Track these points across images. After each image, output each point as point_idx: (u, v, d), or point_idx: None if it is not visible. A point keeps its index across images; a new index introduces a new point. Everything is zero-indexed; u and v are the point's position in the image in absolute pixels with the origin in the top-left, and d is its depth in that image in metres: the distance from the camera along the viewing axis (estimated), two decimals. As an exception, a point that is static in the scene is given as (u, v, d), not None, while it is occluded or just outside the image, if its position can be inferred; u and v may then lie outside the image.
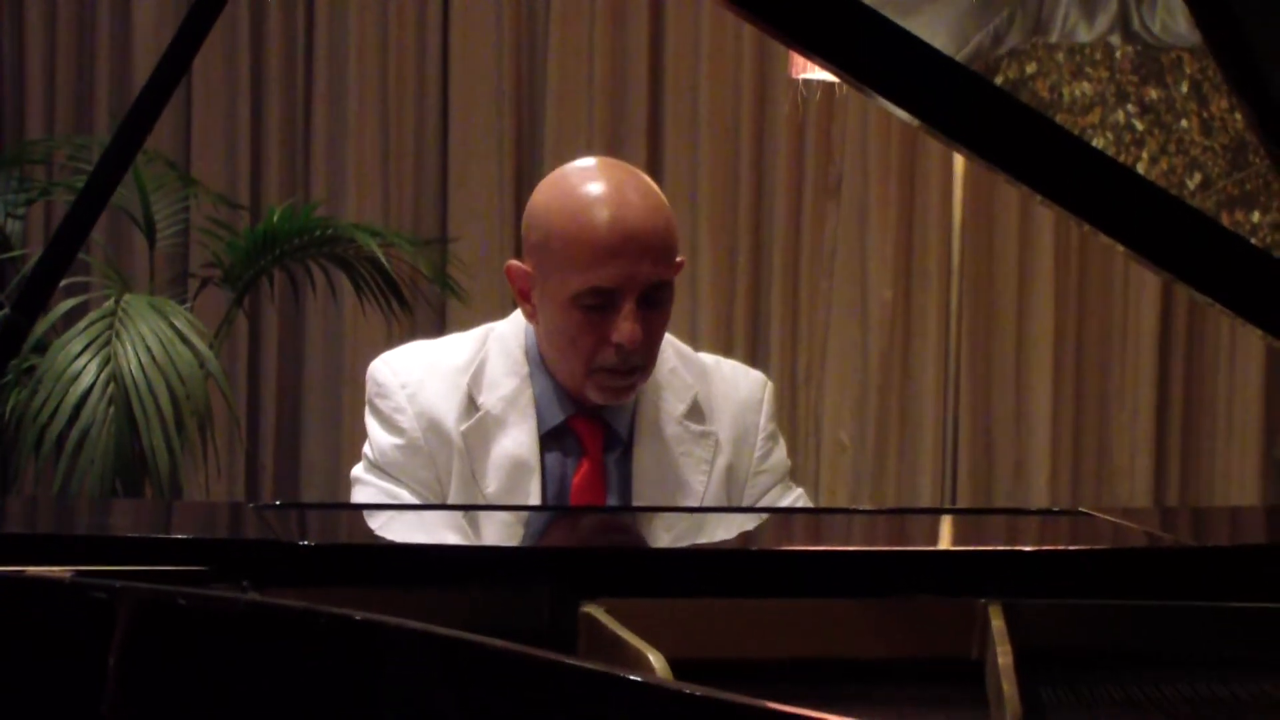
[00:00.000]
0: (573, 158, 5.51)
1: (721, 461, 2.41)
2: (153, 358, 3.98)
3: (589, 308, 2.27)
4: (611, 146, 5.12)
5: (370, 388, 2.41)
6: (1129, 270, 5.30)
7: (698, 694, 1.31)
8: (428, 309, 4.90)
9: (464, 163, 5.15)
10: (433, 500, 2.36)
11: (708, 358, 2.50)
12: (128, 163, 1.74)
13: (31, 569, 1.63)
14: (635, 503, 2.36)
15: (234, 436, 4.91)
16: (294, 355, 5.19)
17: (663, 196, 2.35)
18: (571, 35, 5.13)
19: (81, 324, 4.06)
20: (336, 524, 2.24)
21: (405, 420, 2.37)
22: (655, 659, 1.58)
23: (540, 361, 2.38)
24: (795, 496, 2.49)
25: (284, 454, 5.21)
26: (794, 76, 4.59)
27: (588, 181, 2.31)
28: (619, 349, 2.27)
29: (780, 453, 2.48)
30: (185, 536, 1.89)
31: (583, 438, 2.37)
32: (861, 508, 2.58)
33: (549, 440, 2.37)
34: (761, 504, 2.44)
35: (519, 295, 2.36)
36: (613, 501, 2.37)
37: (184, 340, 4.04)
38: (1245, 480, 5.43)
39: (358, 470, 2.42)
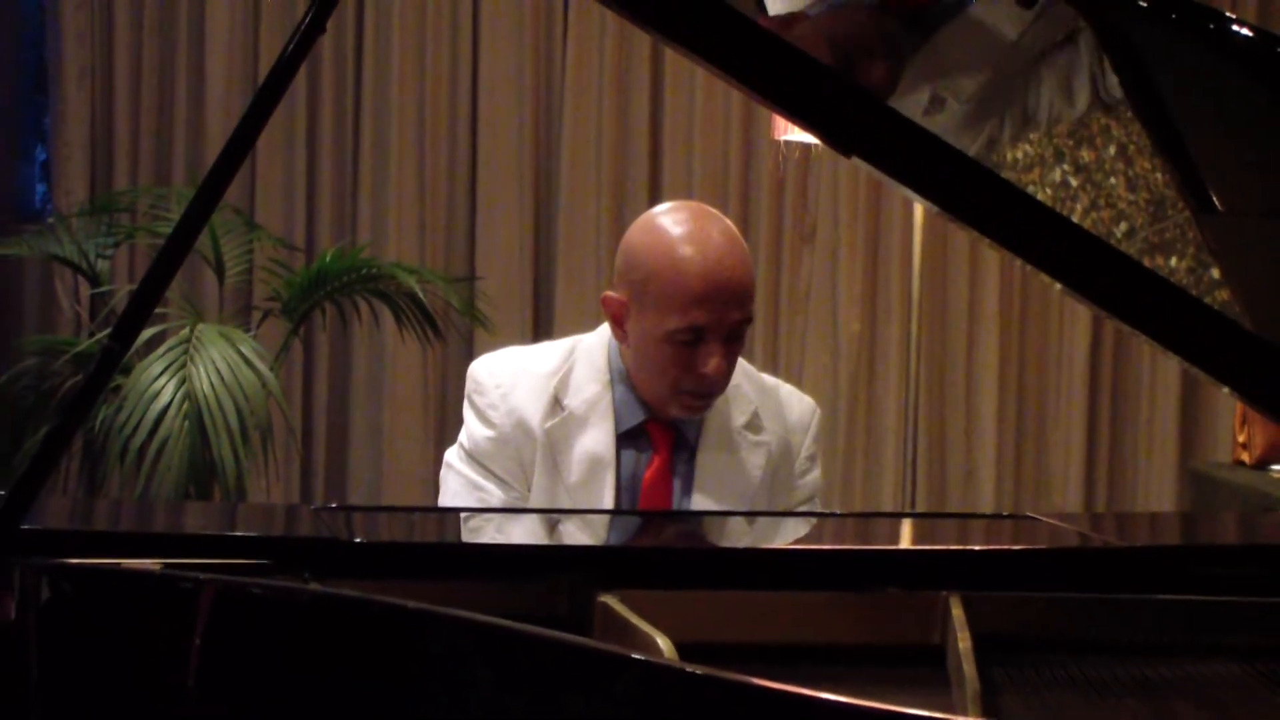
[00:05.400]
0: (584, 211, 5.54)
1: (769, 470, 2.40)
2: (221, 379, 3.97)
3: (681, 343, 2.26)
4: (617, 200, 5.13)
5: (469, 385, 2.41)
6: (1064, 305, 5.31)
7: (698, 672, 1.31)
8: (458, 337, 4.90)
9: (489, 213, 5.15)
10: (516, 486, 2.35)
11: (769, 379, 2.49)
12: (204, 221, 1.74)
13: (126, 562, 1.63)
14: (696, 502, 2.35)
15: (290, 447, 4.91)
16: (342, 376, 5.19)
17: (744, 242, 2.34)
18: (583, 103, 5.14)
19: (161, 349, 4.05)
20: (385, 524, 2.24)
21: (497, 416, 2.36)
22: (663, 642, 1.57)
23: (622, 371, 2.37)
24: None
25: (333, 462, 5.21)
26: (775, 138, 4.60)
27: (682, 229, 2.29)
28: (704, 378, 2.27)
29: (815, 474, 2.48)
30: (252, 534, 1.89)
31: (655, 439, 2.37)
32: (836, 511, 2.56)
33: (625, 439, 2.36)
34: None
35: (613, 321, 2.35)
36: (678, 495, 2.36)
37: (248, 364, 4.03)
38: (1164, 489, 5.43)
39: (451, 456, 2.42)
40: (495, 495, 2.35)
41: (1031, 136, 1.75)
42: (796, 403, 2.48)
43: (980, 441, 5.34)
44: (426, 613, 1.44)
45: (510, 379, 2.38)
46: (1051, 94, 1.72)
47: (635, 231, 2.35)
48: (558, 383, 2.37)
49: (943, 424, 5.36)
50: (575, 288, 5.09)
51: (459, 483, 2.38)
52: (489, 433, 2.36)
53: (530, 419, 2.35)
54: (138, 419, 3.90)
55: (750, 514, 2.36)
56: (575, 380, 2.37)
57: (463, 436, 2.41)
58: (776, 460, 2.41)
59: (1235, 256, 1.66)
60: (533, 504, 2.34)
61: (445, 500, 2.40)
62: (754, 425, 2.40)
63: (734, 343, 2.29)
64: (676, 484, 2.37)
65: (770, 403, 2.44)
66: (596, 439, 2.34)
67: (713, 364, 2.26)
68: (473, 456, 2.38)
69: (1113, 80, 1.67)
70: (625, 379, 2.37)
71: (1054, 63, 1.74)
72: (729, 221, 2.36)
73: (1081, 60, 1.71)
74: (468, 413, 2.40)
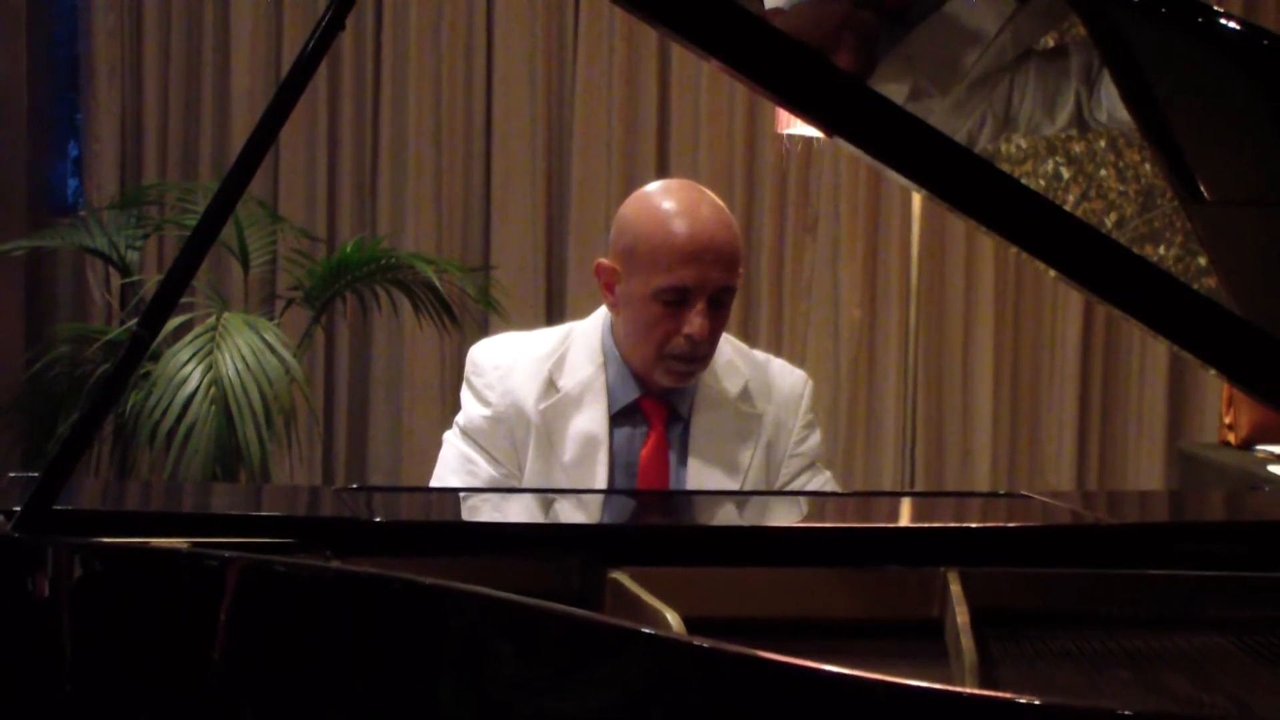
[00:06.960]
0: (594, 203, 5.54)
1: (764, 441, 2.40)
2: (246, 365, 3.97)
3: (667, 302, 2.28)
4: (626, 192, 5.07)
5: (469, 368, 2.42)
6: (1057, 291, 5.29)
7: (706, 645, 1.31)
8: (474, 325, 4.89)
9: (503, 205, 5.15)
10: (506, 463, 2.36)
11: (759, 354, 2.50)
12: (228, 213, 1.74)
13: (155, 541, 1.63)
14: (691, 468, 2.35)
15: (313, 431, 4.91)
16: (362, 363, 5.18)
17: (731, 217, 2.35)
18: (593, 99, 5.14)
19: (188, 337, 4.05)
20: (403, 504, 2.24)
21: (494, 396, 2.37)
22: (671, 617, 1.57)
23: (615, 352, 2.38)
24: (824, 479, 2.48)
25: (354, 445, 5.21)
26: (779, 131, 4.58)
27: (671, 199, 2.33)
28: (689, 339, 2.28)
29: (814, 440, 2.47)
30: (276, 514, 1.89)
31: (649, 414, 2.37)
32: (838, 491, 2.55)
33: (621, 417, 2.37)
34: (794, 482, 2.43)
35: (604, 288, 2.37)
36: (674, 465, 2.36)
37: (272, 351, 4.03)
38: (1153, 468, 5.42)
39: (448, 433, 2.43)
40: (484, 470, 2.36)
41: (1012, 137, 1.74)
42: (788, 375, 2.48)
43: (976, 423, 5.34)
44: (444, 589, 1.44)
45: (508, 362, 2.39)
46: (1033, 105, 1.72)
47: (627, 204, 2.39)
48: (553, 365, 2.38)
49: (940, 407, 5.35)
50: (586, 276, 5.08)
51: (451, 454, 2.40)
52: (484, 411, 2.38)
53: (524, 401, 2.36)
54: (166, 404, 3.90)
55: (755, 493, 2.36)
56: (570, 362, 2.39)
57: (459, 415, 2.43)
58: (771, 432, 2.41)
59: (1221, 244, 1.65)
60: (528, 482, 2.35)
61: (438, 472, 2.42)
62: (746, 397, 2.41)
63: (718, 309, 2.30)
64: (672, 454, 2.37)
65: (761, 377, 2.45)
66: (590, 418, 2.35)
67: (696, 323, 2.27)
68: (466, 433, 2.40)
69: (1097, 105, 1.68)
70: (619, 359, 2.38)
71: (1042, 73, 1.74)
72: (715, 197, 2.37)
73: (1069, 82, 1.71)
74: (465, 393, 2.42)
